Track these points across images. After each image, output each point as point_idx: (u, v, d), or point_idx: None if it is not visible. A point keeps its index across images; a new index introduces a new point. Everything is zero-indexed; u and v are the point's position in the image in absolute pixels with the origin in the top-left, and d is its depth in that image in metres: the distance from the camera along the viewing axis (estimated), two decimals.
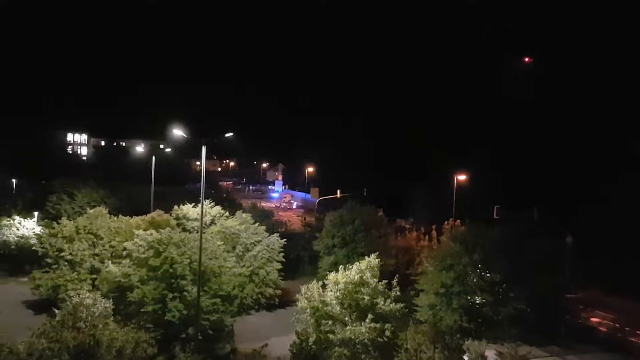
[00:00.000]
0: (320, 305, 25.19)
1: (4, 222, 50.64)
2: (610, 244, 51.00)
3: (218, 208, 44.93)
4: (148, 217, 41.58)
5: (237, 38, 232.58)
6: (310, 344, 24.68)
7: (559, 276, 36.52)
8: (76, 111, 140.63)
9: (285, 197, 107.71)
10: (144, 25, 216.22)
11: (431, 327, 27.60)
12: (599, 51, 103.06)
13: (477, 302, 33.56)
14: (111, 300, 26.62)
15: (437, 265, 34.98)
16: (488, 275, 33.49)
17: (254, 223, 42.44)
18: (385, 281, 25.95)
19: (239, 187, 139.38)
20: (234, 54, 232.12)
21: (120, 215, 41.24)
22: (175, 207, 44.91)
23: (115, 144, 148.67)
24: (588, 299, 40.61)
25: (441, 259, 35.05)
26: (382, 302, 24.79)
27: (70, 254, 36.30)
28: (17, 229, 50.05)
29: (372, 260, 26.39)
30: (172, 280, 29.28)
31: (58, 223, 38.86)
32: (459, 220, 44.33)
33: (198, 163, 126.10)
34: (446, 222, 44.48)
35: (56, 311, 23.91)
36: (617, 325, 38.08)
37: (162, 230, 32.15)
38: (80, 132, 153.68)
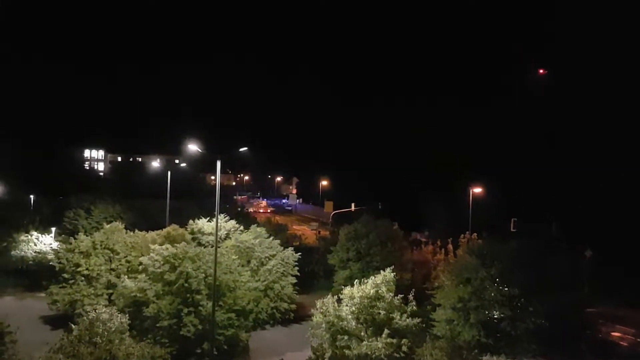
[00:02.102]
0: (335, 320, 24.98)
1: (22, 237, 51.21)
2: (630, 257, 50.10)
3: (233, 222, 45.01)
4: (163, 231, 41.74)
5: (244, 44, 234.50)
6: (326, 359, 24.45)
7: (578, 290, 35.86)
8: (93, 128, 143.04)
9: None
10: (151, 36, 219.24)
11: (448, 343, 27.24)
12: (608, 56, 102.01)
13: (495, 316, 33.01)
14: (127, 315, 26.72)
15: (453, 280, 34.49)
16: (506, 289, 32.97)
17: (269, 237, 42.42)
18: (401, 295, 25.70)
19: (253, 201, 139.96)
20: (245, 63, 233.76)
21: (136, 230, 41.52)
22: (191, 221, 45.06)
23: (131, 159, 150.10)
24: (609, 314, 39.85)
25: (458, 272, 34.56)
26: (398, 317, 24.53)
27: (87, 269, 36.52)
28: (35, 245, 50.64)
29: (388, 274, 26.17)
30: (188, 295, 29.32)
31: (75, 238, 39.11)
32: (475, 234, 43.88)
33: (213, 177, 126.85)
34: (462, 235, 44.03)
35: (73, 326, 24.05)
36: (639, 340, 37.25)
37: (178, 245, 32.28)
38: (97, 148, 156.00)
